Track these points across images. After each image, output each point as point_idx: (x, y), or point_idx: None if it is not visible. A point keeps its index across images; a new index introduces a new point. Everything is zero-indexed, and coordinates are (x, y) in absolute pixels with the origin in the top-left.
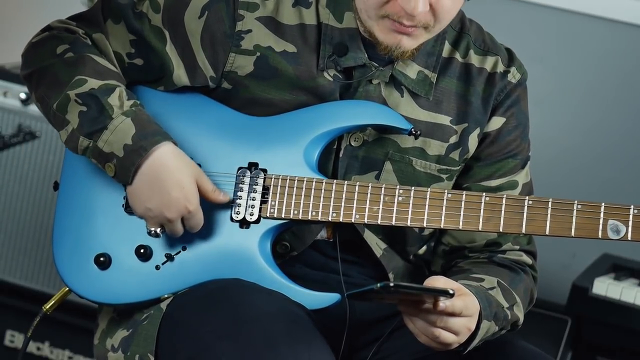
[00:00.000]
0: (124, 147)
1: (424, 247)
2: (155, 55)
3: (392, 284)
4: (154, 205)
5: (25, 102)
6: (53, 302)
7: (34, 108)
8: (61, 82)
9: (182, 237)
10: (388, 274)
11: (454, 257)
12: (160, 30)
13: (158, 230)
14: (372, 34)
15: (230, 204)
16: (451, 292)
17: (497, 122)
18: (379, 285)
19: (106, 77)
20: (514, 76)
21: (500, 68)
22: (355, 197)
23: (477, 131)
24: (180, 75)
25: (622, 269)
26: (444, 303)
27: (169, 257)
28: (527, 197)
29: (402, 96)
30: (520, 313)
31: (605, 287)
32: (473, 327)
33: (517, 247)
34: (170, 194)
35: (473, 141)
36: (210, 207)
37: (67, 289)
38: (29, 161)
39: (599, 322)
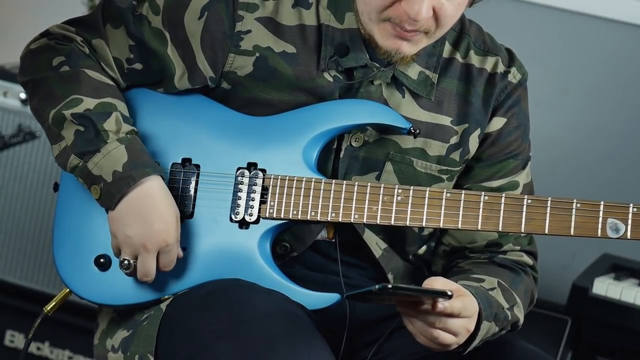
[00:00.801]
0: (114, 173)
1: (424, 247)
2: (155, 59)
3: (390, 286)
4: (135, 233)
5: (25, 102)
6: (54, 303)
7: None
8: (56, 97)
9: (182, 237)
10: (387, 274)
11: (454, 258)
12: (160, 32)
13: (131, 261)
14: (371, 37)
15: (229, 204)
16: (449, 293)
17: (497, 123)
18: (377, 286)
19: (102, 94)
20: (514, 76)
21: (501, 68)
22: (354, 196)
23: (478, 132)
24: (181, 78)
25: (622, 269)
26: (442, 304)
27: None
28: (526, 196)
29: (404, 97)
30: (520, 314)
31: (605, 287)
32: (472, 328)
33: (518, 248)
34: (152, 225)
35: (474, 142)
36: (209, 207)
37: (68, 290)
38: (29, 161)
39: (599, 322)
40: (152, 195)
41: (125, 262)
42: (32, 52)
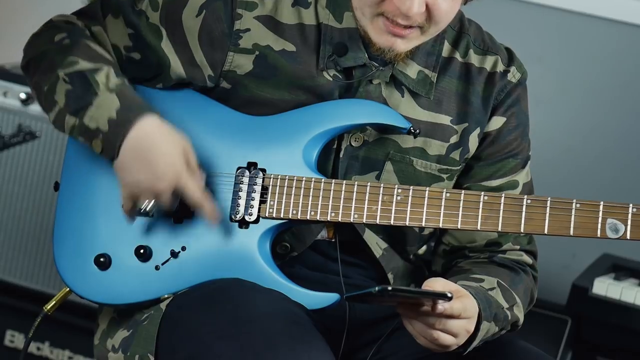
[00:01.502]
0: (109, 122)
1: (424, 247)
2: (151, 51)
3: (390, 288)
4: (144, 177)
5: (25, 102)
6: (54, 302)
7: (34, 108)
8: (54, 65)
9: (182, 237)
10: (387, 274)
11: (454, 257)
12: (157, 27)
13: (150, 205)
14: (366, 33)
15: (229, 204)
16: (449, 295)
17: (497, 122)
18: (377, 288)
19: (98, 61)
20: (513, 76)
21: (500, 67)
22: (354, 196)
23: (478, 131)
24: (177, 68)
25: (622, 269)
26: (442, 305)
27: (169, 258)
28: (525, 196)
29: (403, 96)
30: (520, 313)
31: (605, 287)
32: (472, 329)
33: (518, 247)
34: (158, 165)
35: (473, 141)
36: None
37: (68, 289)
38: (29, 161)
39: (599, 322)
40: (151, 135)
41: (143, 208)
42: (34, 36)
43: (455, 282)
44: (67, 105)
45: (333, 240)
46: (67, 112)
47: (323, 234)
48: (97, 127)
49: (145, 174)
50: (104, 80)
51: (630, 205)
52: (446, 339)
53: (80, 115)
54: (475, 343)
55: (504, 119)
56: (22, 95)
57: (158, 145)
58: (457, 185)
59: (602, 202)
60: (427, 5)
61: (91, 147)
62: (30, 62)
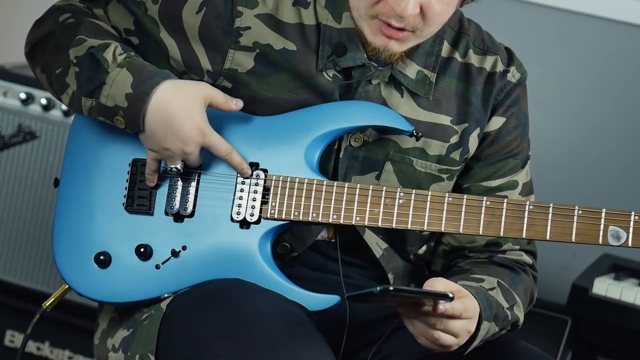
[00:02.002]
0: (126, 97)
1: (424, 247)
2: (150, 39)
3: (391, 288)
4: (171, 144)
5: (25, 102)
6: (52, 299)
7: (34, 108)
8: (63, 46)
9: (182, 236)
10: (387, 274)
11: (454, 257)
12: (154, 20)
13: (179, 165)
14: (361, 33)
15: (230, 204)
16: (451, 295)
17: (497, 122)
18: (378, 288)
19: (105, 37)
20: (513, 76)
21: (500, 67)
22: (356, 199)
23: (478, 131)
24: (176, 59)
25: (622, 269)
26: (443, 306)
27: (169, 257)
28: (527, 202)
29: (402, 96)
30: (520, 313)
31: (605, 287)
32: (473, 329)
33: (517, 247)
34: (182, 127)
35: (473, 141)
36: (209, 207)
37: (67, 286)
38: (29, 161)
39: (599, 322)
40: (168, 100)
41: (174, 169)
42: (37, 22)
43: (456, 282)
44: (80, 88)
45: (333, 240)
46: (81, 95)
47: (323, 234)
48: (116, 105)
49: (172, 140)
50: (111, 58)
51: (632, 213)
52: (447, 339)
53: (97, 96)
54: (475, 343)
55: (503, 119)
56: (22, 95)
57: (180, 109)
58: (457, 186)
59: (604, 210)
60: (421, 7)
61: (113, 123)
62: (36, 45)
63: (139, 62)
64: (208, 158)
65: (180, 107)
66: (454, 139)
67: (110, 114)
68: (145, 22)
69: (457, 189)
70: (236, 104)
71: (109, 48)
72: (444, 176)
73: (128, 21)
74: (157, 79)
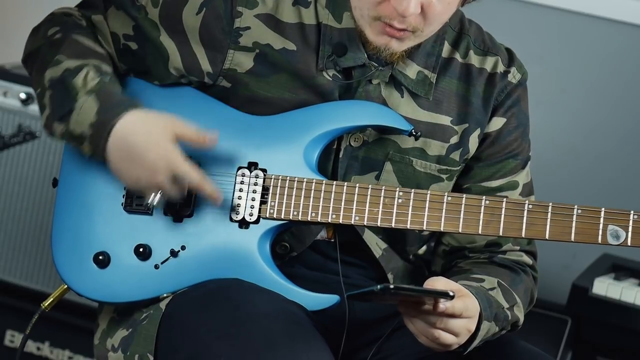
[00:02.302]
0: (90, 125)
1: (424, 247)
2: (150, 44)
3: (392, 286)
4: (140, 173)
5: (25, 102)
6: (51, 299)
7: (34, 108)
8: (43, 66)
9: (181, 236)
10: (387, 274)
11: (454, 258)
12: (155, 24)
13: (157, 198)
14: (362, 33)
15: (229, 204)
16: (451, 294)
17: (497, 123)
18: (379, 287)
19: (86, 58)
20: (514, 76)
21: (501, 68)
22: (355, 198)
23: (478, 132)
24: (175, 64)
25: (622, 269)
26: (444, 304)
27: (168, 257)
28: (527, 201)
29: (402, 96)
30: (520, 313)
31: (605, 287)
32: (473, 328)
33: (518, 248)
34: (148, 157)
35: (473, 142)
36: (209, 207)
37: (66, 286)
38: (29, 161)
39: (599, 322)
40: (131, 131)
41: (150, 201)
42: (33, 31)
43: (456, 282)
44: (53, 112)
45: (332, 240)
46: (53, 119)
47: (322, 234)
48: (82, 132)
49: (139, 169)
50: (80, 84)
51: (632, 212)
52: (447, 338)
53: (66, 122)
54: (475, 343)
55: (504, 120)
56: (22, 95)
57: (144, 139)
58: (457, 186)
59: (603, 209)
60: (422, 7)
61: (82, 151)
62: (28, 58)
63: (109, 89)
64: (206, 157)
65: (144, 137)
66: (454, 140)
67: (79, 141)
68: (145, 27)
69: (457, 189)
70: (210, 138)
71: (81, 72)
72: (444, 176)
73: (127, 26)
74: (121, 108)
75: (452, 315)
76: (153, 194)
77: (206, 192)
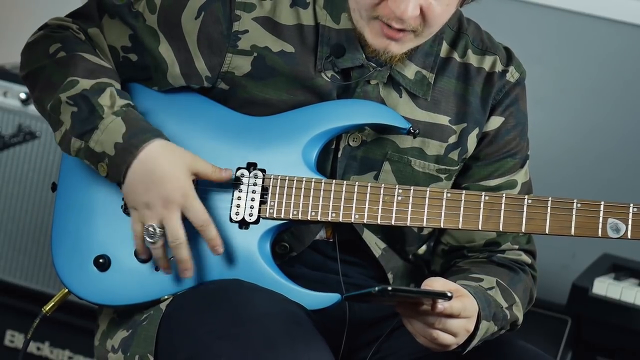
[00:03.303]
0: (115, 146)
1: (424, 247)
2: (148, 54)
3: (390, 288)
4: (152, 198)
5: (25, 102)
6: (52, 303)
7: (34, 108)
8: (53, 84)
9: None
10: (387, 274)
11: (453, 257)
12: (154, 31)
13: (157, 227)
14: (361, 34)
15: (229, 205)
16: (449, 294)
17: (495, 122)
18: (376, 288)
19: (98, 75)
20: (512, 75)
21: (499, 67)
22: (355, 196)
23: (476, 131)
24: (174, 74)
25: (622, 269)
26: (442, 305)
27: (169, 257)
28: (526, 196)
29: (401, 96)
30: (519, 313)
31: (605, 287)
32: (471, 328)
33: (517, 247)
34: (165, 185)
35: (472, 141)
36: (209, 208)
37: (67, 290)
38: (28, 161)
39: (599, 322)
40: (156, 158)
41: (150, 229)
42: (29, 45)
43: (455, 282)
44: (73, 127)
45: (331, 240)
46: (72, 134)
47: (322, 234)
48: (103, 151)
49: (152, 195)
50: (108, 103)
51: (631, 205)
52: (446, 338)
53: (86, 139)
54: (474, 342)
55: (502, 119)
56: (22, 95)
57: (165, 168)
58: (456, 185)
59: (602, 202)
60: (421, 9)
61: (96, 170)
62: (28, 76)
63: (135, 114)
64: (205, 157)
65: (167, 166)
66: (452, 139)
67: (96, 159)
68: (144, 36)
69: (456, 188)
70: (225, 172)
71: (105, 93)
72: (443, 176)
73: (124, 37)
74: (148, 135)
75: (450, 316)
76: (153, 225)
77: (210, 235)
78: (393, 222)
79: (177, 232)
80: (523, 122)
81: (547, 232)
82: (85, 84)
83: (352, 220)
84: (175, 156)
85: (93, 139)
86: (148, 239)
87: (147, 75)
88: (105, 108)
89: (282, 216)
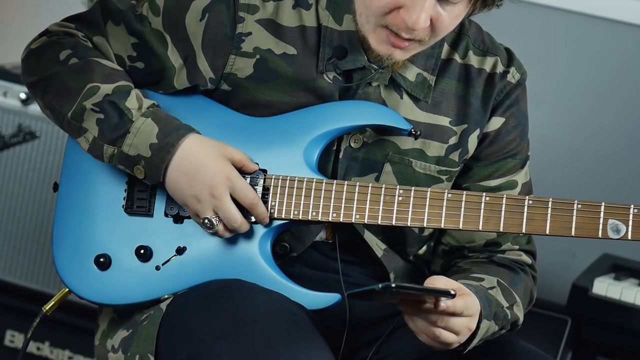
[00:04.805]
0: (151, 147)
1: (424, 248)
2: (156, 59)
3: (394, 285)
4: (199, 189)
5: (25, 102)
6: (53, 302)
7: (34, 108)
8: (71, 90)
9: (182, 237)
10: (389, 274)
11: (453, 257)
12: (161, 34)
13: (212, 217)
14: (365, 39)
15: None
16: (452, 292)
17: (496, 123)
18: (380, 285)
19: (116, 79)
20: (513, 76)
21: (500, 68)
22: (356, 197)
23: (477, 132)
24: (181, 78)
25: (622, 269)
26: (445, 303)
27: (169, 258)
28: (527, 197)
29: (402, 98)
30: (520, 312)
31: (605, 287)
32: (473, 327)
33: (517, 247)
34: (207, 172)
35: (472, 142)
36: None
37: (67, 289)
38: (29, 161)
39: (599, 322)
40: (193, 151)
41: (207, 221)
42: (35, 52)
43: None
44: (103, 134)
45: (331, 241)
46: (103, 141)
47: (322, 235)
48: (138, 154)
49: (197, 185)
50: (135, 106)
51: (632, 205)
52: (448, 336)
53: (119, 144)
54: (475, 342)
55: (502, 120)
56: (22, 95)
57: (202, 158)
58: (456, 186)
59: (603, 203)
60: (431, 19)
61: (132, 173)
62: (37, 83)
63: (163, 112)
64: None
65: (205, 155)
66: (453, 140)
67: (132, 163)
68: (151, 41)
69: (456, 189)
70: (253, 164)
71: (131, 95)
72: (443, 177)
73: (129, 46)
74: (183, 131)
75: (453, 314)
76: (208, 217)
77: (258, 211)
78: (394, 223)
79: (233, 215)
80: (523, 123)
81: (547, 232)
82: (106, 88)
83: (353, 221)
84: (210, 146)
85: (126, 143)
86: (208, 231)
87: (155, 80)
88: (134, 111)
89: (283, 216)
